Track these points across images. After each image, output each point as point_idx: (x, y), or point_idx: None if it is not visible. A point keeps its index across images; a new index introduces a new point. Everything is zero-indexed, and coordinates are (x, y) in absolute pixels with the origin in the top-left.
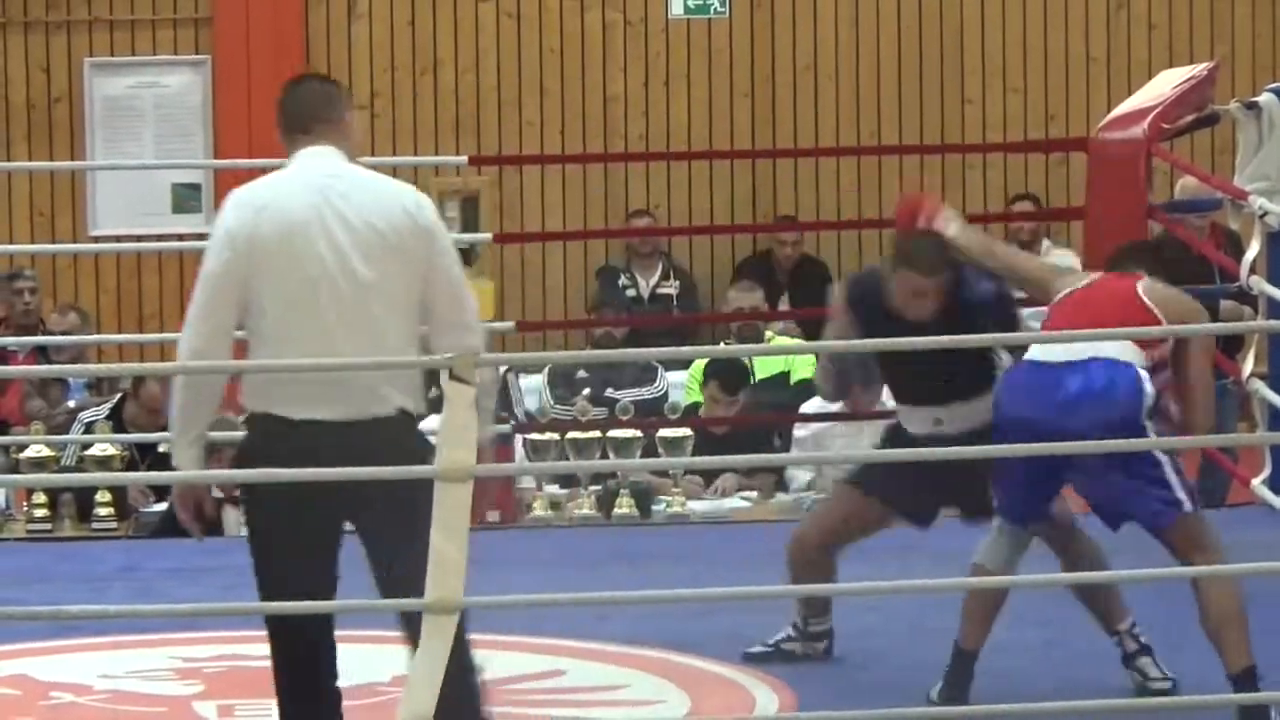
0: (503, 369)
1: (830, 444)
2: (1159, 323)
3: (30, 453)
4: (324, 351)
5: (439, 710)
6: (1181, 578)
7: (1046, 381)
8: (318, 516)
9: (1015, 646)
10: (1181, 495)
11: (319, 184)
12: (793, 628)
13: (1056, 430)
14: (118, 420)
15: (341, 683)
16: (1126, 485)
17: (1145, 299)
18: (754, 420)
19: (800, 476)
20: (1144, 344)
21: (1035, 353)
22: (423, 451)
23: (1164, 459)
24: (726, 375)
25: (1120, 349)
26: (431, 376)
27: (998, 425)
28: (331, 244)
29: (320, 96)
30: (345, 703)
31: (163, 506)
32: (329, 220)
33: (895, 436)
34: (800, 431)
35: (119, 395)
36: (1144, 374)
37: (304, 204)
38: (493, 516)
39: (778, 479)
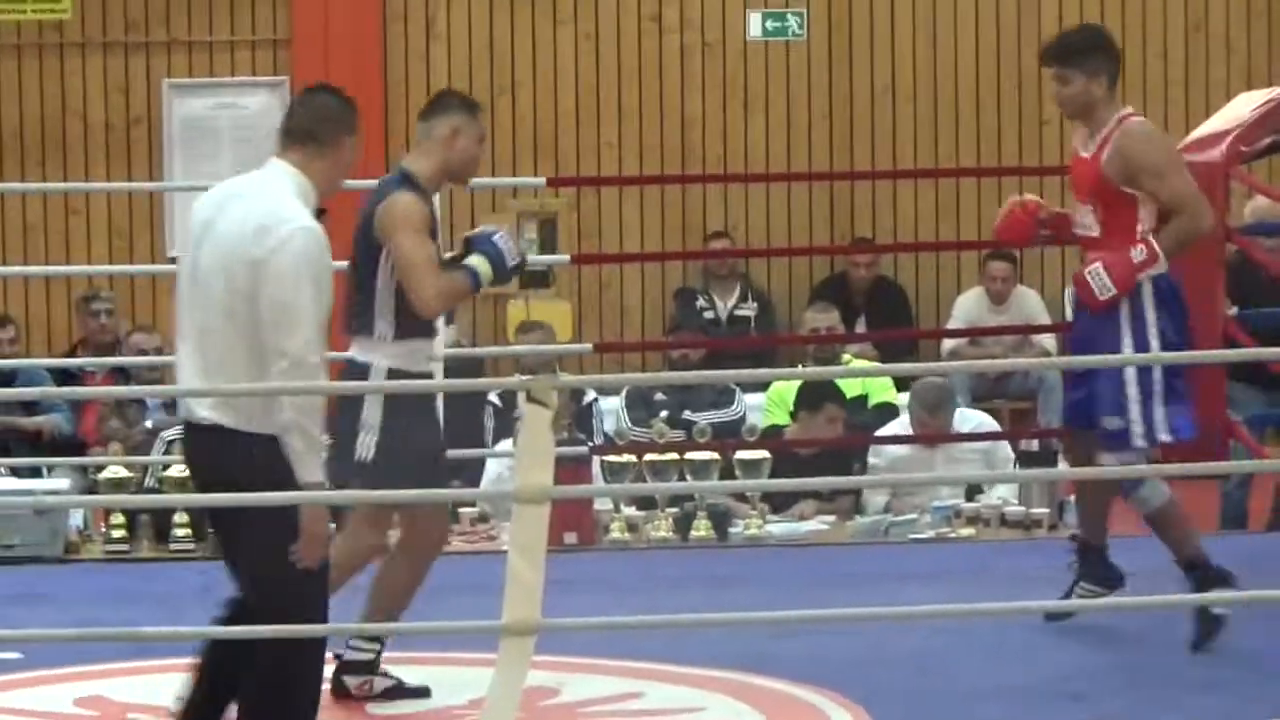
0: (590, 395)
1: (907, 467)
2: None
3: (108, 473)
4: (182, 352)
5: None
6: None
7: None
8: None
9: (1095, 669)
10: (1137, 429)
11: (225, 195)
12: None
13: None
14: None
15: (417, 705)
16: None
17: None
18: (835, 442)
19: (876, 500)
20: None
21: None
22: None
23: (1133, 380)
24: (838, 393)
25: None
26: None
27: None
28: (199, 252)
29: (313, 116)
30: None
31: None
32: (207, 231)
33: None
34: (874, 459)
35: None
36: None
37: (203, 214)
38: (570, 538)
39: (855, 501)
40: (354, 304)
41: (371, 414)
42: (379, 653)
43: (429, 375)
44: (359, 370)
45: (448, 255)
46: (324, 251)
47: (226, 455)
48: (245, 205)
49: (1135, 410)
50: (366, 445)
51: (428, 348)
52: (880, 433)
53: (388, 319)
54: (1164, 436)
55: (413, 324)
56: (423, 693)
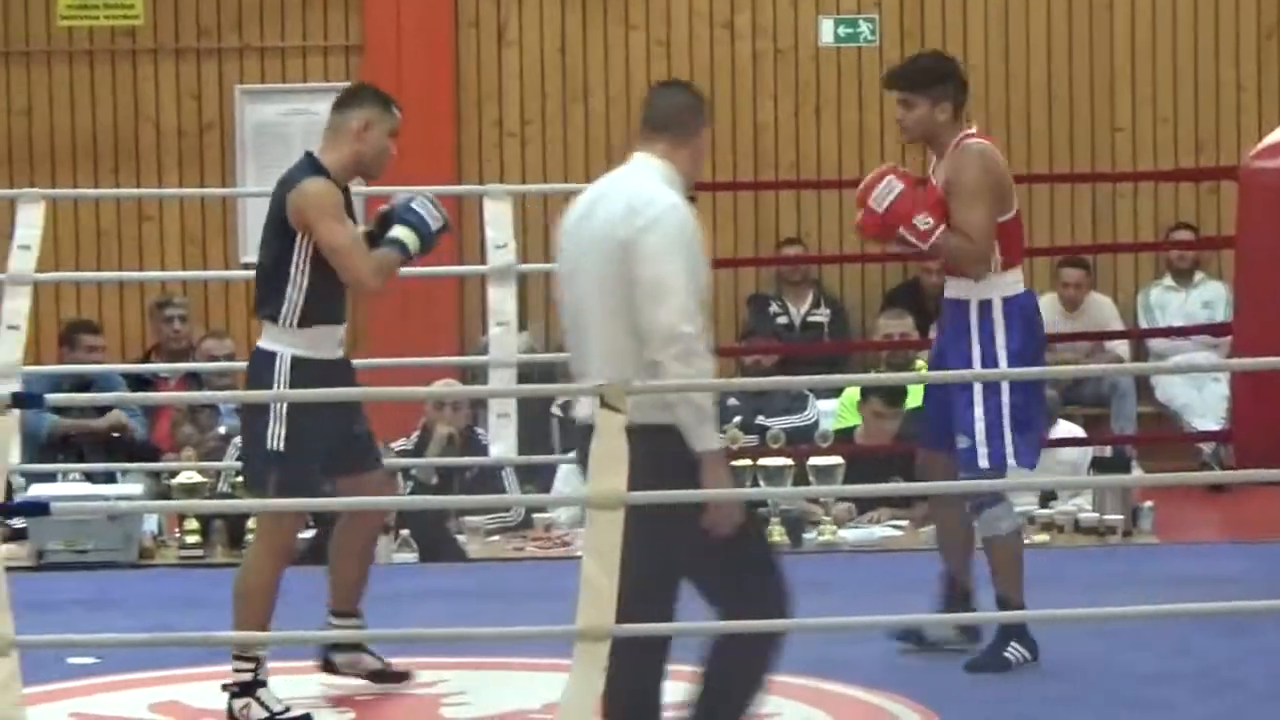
0: None
1: None
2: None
3: (182, 479)
4: (576, 353)
5: None
6: None
7: None
8: None
9: (1169, 677)
10: (983, 449)
11: (597, 192)
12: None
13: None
14: None
15: (490, 710)
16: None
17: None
18: (908, 448)
19: None
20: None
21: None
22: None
23: (979, 402)
24: (889, 389)
25: None
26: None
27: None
28: (575, 249)
29: (672, 108)
30: None
31: (311, 534)
32: (580, 227)
33: (307, 375)
34: None
35: None
36: None
37: (576, 213)
38: None
39: None
40: (262, 290)
41: (280, 403)
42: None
43: (337, 362)
44: (265, 357)
45: (363, 229)
46: (694, 230)
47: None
48: (615, 193)
49: (981, 431)
50: (277, 435)
51: (335, 334)
52: None
53: (294, 306)
54: (1011, 462)
55: (318, 311)
56: None
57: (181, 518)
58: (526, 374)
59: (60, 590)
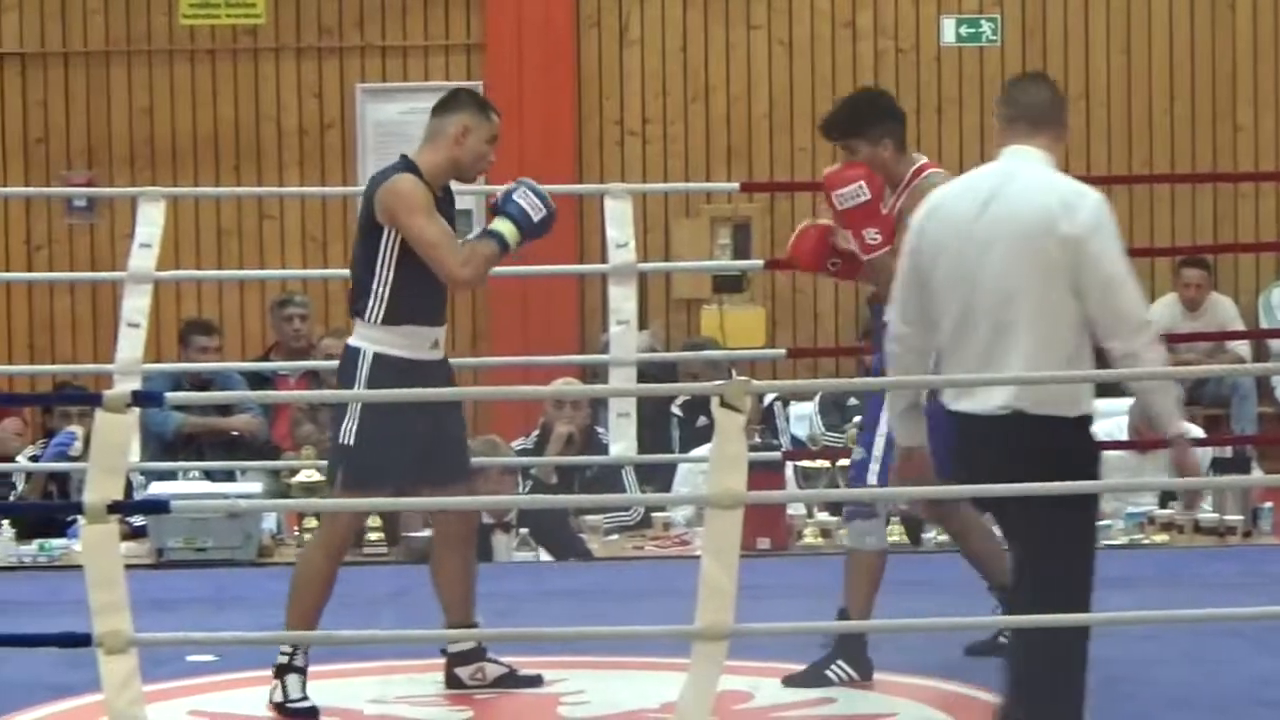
0: (770, 396)
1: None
2: None
3: (301, 477)
4: (963, 351)
5: None
6: None
7: None
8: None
9: None
10: (875, 466)
11: (989, 185)
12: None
13: None
14: None
15: (608, 709)
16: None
17: None
18: None
19: None
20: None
21: None
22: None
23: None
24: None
25: None
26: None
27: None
28: (972, 243)
29: (1048, 104)
30: None
31: (428, 534)
32: (982, 222)
33: (387, 372)
34: None
35: None
36: None
37: (969, 203)
38: (763, 544)
39: None
40: (353, 287)
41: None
42: (292, 656)
43: (427, 363)
44: (350, 353)
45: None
46: None
47: (1029, 442)
48: (1025, 187)
49: (879, 448)
50: (348, 430)
51: (426, 334)
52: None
53: (380, 302)
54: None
55: (407, 309)
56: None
57: (300, 516)
58: (646, 373)
59: (179, 588)
